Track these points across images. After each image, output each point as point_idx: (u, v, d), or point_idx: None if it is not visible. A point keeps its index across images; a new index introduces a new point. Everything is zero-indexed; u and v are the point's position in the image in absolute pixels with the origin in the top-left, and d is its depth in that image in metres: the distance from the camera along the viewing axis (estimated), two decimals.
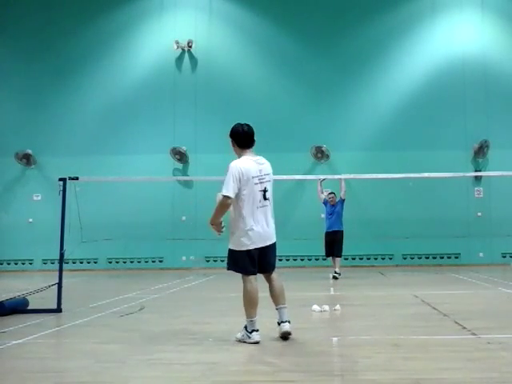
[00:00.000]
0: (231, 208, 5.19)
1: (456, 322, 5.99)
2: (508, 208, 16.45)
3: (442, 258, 16.73)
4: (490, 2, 17.65)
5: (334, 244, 12.23)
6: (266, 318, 6.40)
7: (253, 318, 5.13)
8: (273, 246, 5.30)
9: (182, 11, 18.35)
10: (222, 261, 16.76)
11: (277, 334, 5.24)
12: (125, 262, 17.34)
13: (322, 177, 13.18)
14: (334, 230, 12.37)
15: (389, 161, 16.30)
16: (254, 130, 5.33)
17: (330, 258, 12.50)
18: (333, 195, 12.66)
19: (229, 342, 5.15)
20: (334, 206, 12.46)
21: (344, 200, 12.62)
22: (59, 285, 7.46)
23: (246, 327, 5.16)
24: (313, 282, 11.68)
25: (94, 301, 8.45)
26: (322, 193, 12.87)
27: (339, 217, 12.39)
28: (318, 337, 5.39)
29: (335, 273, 12.07)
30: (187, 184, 17.38)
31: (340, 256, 12.53)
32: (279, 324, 5.23)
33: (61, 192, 7.68)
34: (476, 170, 16.74)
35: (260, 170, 5.23)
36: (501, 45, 17.47)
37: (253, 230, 5.12)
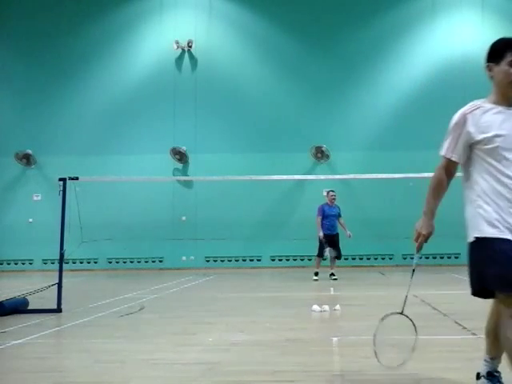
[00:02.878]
0: None
1: (456, 322, 5.99)
2: None
3: (442, 257, 16.72)
4: (490, 1, 17.66)
5: (333, 247, 12.02)
6: (266, 318, 6.41)
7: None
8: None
9: (182, 11, 18.37)
10: (222, 261, 16.99)
11: (277, 334, 5.20)
12: (125, 262, 17.34)
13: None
14: (334, 232, 12.15)
15: (389, 161, 16.29)
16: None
17: (320, 258, 12.23)
18: (334, 193, 12.26)
19: (229, 342, 5.13)
20: (333, 208, 12.14)
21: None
22: (59, 285, 7.46)
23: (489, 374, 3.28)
24: (313, 281, 11.67)
25: (94, 301, 8.45)
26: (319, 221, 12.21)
27: (336, 219, 12.19)
28: (318, 337, 5.38)
29: (333, 275, 12.02)
30: (187, 184, 17.38)
31: (340, 258, 12.44)
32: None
33: (61, 192, 7.68)
34: None
35: None
36: None
37: None
